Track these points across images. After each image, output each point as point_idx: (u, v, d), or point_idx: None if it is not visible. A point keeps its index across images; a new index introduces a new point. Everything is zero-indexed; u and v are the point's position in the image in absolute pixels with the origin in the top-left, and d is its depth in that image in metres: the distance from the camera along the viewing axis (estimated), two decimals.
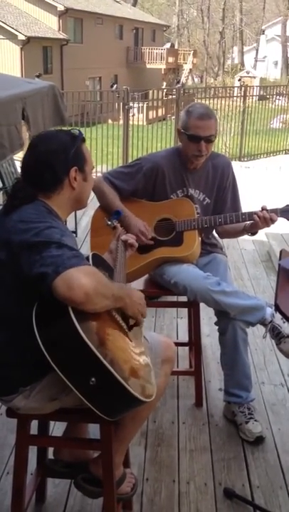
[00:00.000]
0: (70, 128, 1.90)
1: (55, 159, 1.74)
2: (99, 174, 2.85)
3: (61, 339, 1.54)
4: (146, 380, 1.67)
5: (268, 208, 2.60)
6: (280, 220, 2.63)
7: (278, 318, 2.51)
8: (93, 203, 2.87)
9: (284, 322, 2.51)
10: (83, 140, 1.84)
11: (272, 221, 2.58)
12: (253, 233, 2.72)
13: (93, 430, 2.47)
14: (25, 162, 1.79)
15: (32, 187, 1.73)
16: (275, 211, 2.60)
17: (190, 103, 2.87)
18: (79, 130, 1.86)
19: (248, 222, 2.65)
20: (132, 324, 1.79)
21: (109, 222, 2.21)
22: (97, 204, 2.79)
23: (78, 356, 1.52)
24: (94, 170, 1.91)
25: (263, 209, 2.60)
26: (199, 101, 11.99)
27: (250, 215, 2.63)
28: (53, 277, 1.48)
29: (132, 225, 2.66)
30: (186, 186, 2.77)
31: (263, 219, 2.57)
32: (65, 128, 1.91)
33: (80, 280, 1.48)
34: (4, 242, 1.62)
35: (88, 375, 1.52)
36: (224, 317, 2.60)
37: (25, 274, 1.56)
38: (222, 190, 2.81)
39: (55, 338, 1.55)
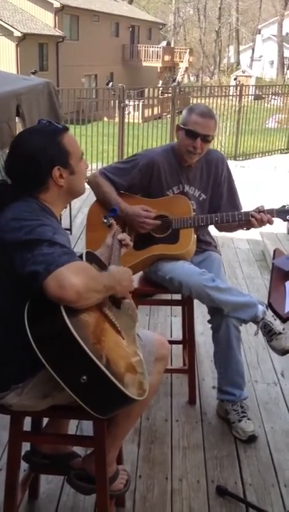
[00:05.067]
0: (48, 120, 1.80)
1: (33, 163, 1.69)
2: (94, 171, 2.84)
3: (52, 336, 1.53)
4: (138, 378, 1.66)
5: (265, 207, 2.61)
6: (276, 220, 2.64)
7: (270, 316, 2.52)
8: (89, 199, 2.87)
9: (275, 319, 2.52)
10: (64, 131, 1.76)
11: (270, 223, 2.60)
12: (248, 228, 2.75)
13: (86, 427, 2.48)
14: (7, 165, 1.75)
15: (17, 189, 1.72)
16: (271, 212, 2.62)
17: (192, 103, 2.90)
18: (57, 122, 1.79)
19: (244, 220, 2.67)
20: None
21: (105, 220, 2.19)
22: (93, 201, 2.78)
23: (69, 353, 1.51)
24: (89, 167, 1.85)
25: (260, 210, 2.61)
26: (195, 100, 12.01)
27: (246, 215, 2.65)
28: (45, 276, 1.48)
29: (130, 214, 2.65)
30: (182, 183, 2.77)
31: (260, 221, 2.61)
32: (44, 120, 1.81)
33: (71, 279, 1.48)
34: None
35: (79, 373, 1.51)
36: (217, 315, 2.60)
37: (18, 273, 1.56)
38: (217, 185, 2.83)
39: (46, 336, 1.54)
